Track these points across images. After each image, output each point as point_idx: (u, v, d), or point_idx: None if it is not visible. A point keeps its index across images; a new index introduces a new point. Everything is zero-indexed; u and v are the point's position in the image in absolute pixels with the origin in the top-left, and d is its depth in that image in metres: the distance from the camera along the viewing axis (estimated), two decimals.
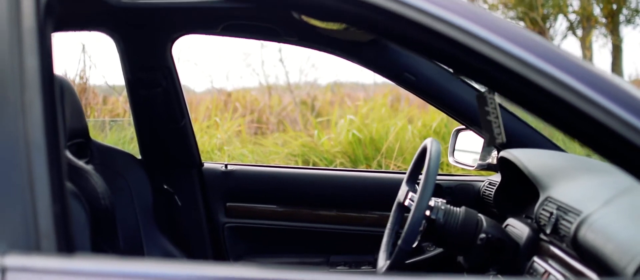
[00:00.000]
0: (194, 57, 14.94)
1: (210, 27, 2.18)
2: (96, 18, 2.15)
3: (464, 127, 2.31)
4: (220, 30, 2.18)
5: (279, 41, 2.29)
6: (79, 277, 0.96)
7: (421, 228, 1.78)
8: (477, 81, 1.17)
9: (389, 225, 1.97)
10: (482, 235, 1.73)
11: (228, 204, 2.55)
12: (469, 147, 2.29)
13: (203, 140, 6.54)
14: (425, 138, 6.20)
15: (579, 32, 11.43)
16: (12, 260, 0.95)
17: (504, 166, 1.99)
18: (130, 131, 6.36)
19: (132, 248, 2.24)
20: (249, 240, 2.54)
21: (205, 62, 16.83)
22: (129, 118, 7.34)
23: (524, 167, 1.83)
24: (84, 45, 7.46)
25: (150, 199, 2.36)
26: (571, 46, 26.08)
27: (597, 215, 1.37)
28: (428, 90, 2.21)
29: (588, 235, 1.34)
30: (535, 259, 1.61)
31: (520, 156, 1.87)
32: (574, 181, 1.64)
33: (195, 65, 13.74)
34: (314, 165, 5.98)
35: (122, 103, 8.18)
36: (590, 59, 10.99)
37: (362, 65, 2.28)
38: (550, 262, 1.54)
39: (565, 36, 11.78)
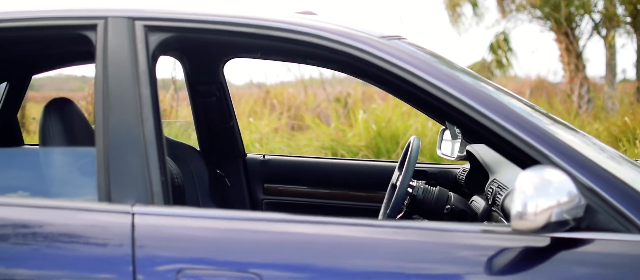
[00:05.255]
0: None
1: (252, 52, 2.51)
2: (170, 48, 2.53)
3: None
4: (259, 55, 2.50)
5: (304, 64, 2.60)
6: (176, 218, 1.44)
7: (405, 202, 2.21)
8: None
9: (384, 200, 2.32)
10: (448, 206, 2.19)
11: (265, 185, 2.94)
12: (450, 142, 2.64)
13: (243, 135, 6.92)
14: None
15: (603, 31, 11.46)
16: (138, 208, 1.43)
17: (470, 157, 2.42)
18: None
19: None
20: (281, 212, 2.98)
21: (245, 60, 17.03)
22: (171, 118, 7.82)
23: (480, 157, 2.29)
24: None
25: (207, 180, 2.78)
26: (595, 46, 25.64)
27: None
28: (415, 100, 2.46)
29: (509, 202, 1.83)
30: (485, 223, 2.02)
31: (478, 149, 2.32)
32: (513, 166, 1.95)
33: (236, 65, 14.10)
34: (341, 156, 6.15)
35: (168, 99, 8.68)
36: (613, 58, 11.07)
37: (371, 83, 2.51)
38: None
39: (591, 35, 11.78)
